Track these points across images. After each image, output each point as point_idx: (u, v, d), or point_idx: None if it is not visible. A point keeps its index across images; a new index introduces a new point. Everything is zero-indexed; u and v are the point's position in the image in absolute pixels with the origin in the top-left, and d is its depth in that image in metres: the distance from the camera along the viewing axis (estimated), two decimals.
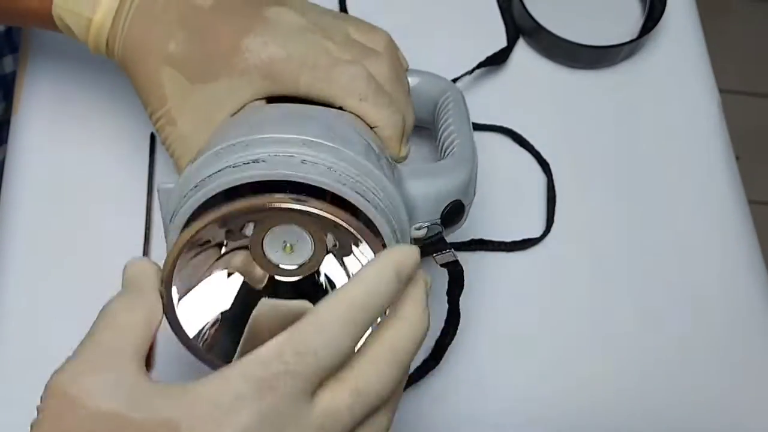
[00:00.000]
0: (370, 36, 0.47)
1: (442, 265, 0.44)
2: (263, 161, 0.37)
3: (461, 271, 0.45)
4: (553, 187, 0.59)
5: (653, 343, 0.55)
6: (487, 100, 0.62)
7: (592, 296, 0.56)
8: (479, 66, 0.61)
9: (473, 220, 0.58)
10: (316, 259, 0.40)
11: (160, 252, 0.55)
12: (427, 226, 0.44)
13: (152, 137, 0.58)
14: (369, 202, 0.37)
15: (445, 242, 0.44)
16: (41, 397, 0.32)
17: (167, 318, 0.39)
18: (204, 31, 0.44)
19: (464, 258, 0.56)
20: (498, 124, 0.61)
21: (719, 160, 0.62)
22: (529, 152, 0.60)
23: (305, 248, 0.40)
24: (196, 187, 0.38)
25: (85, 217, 0.56)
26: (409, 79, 0.50)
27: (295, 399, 0.29)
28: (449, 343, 0.50)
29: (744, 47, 1.62)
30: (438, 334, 0.50)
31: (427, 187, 0.44)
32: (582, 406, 0.54)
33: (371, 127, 0.44)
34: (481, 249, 0.56)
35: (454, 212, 0.45)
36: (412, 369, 0.46)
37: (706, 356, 0.55)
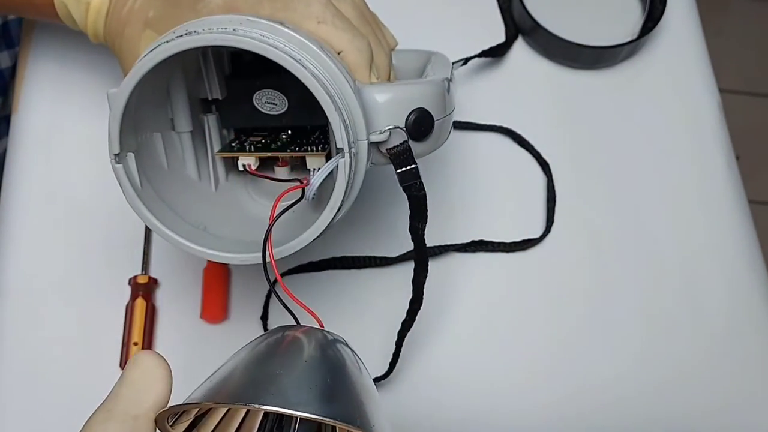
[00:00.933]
0: None
1: (403, 187, 0.41)
2: (196, 32, 0.37)
3: (424, 196, 0.42)
4: (553, 187, 0.59)
5: (653, 343, 0.56)
6: (488, 100, 0.62)
7: (593, 296, 0.56)
8: (477, 56, 0.61)
9: (473, 221, 0.58)
10: None
11: (159, 252, 0.55)
12: (390, 130, 0.41)
13: None
14: (307, 69, 0.36)
15: (410, 154, 0.41)
16: None
17: None
18: None
19: (464, 259, 0.56)
20: (498, 124, 0.61)
21: (719, 159, 0.62)
22: (529, 152, 0.61)
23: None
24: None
25: (84, 216, 0.56)
26: (398, 55, 0.51)
27: None
28: (423, 282, 0.46)
29: (744, 47, 1.62)
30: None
31: (389, 92, 0.41)
32: (581, 405, 0.54)
33: (337, 52, 0.42)
34: (481, 250, 0.57)
35: (420, 122, 0.42)
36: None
37: (706, 356, 0.55)
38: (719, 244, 0.59)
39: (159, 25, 0.45)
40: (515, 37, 0.64)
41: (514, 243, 0.57)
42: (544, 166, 0.60)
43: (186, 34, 0.37)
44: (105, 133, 0.58)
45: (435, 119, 0.43)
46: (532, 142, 0.60)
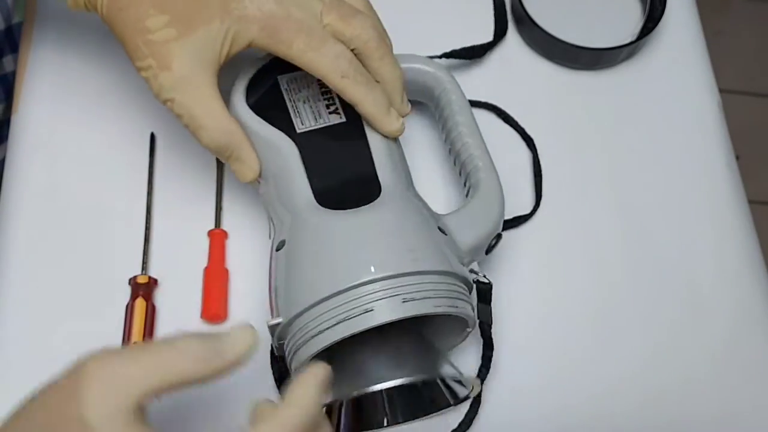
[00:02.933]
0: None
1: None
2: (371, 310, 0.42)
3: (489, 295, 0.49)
4: (539, 162, 0.59)
5: (650, 341, 0.56)
6: (488, 101, 0.62)
7: (591, 297, 0.56)
8: (449, 56, 0.60)
9: (461, 199, 0.57)
10: None
11: (159, 251, 0.55)
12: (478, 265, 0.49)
13: (152, 137, 0.58)
14: (457, 307, 0.44)
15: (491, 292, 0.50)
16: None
17: None
18: None
19: None
20: (483, 100, 0.61)
21: (719, 159, 0.62)
22: (513, 128, 0.61)
23: None
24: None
25: (84, 216, 0.56)
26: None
27: None
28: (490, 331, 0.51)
29: (744, 47, 1.62)
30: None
31: (474, 238, 0.49)
32: (574, 395, 0.54)
33: (354, 105, 0.47)
34: None
35: (495, 243, 0.51)
36: None
37: (706, 355, 0.55)
38: (719, 244, 0.59)
39: (173, 9, 0.44)
40: (501, 38, 0.64)
41: (505, 221, 0.56)
42: (529, 141, 0.60)
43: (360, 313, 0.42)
44: (105, 134, 0.58)
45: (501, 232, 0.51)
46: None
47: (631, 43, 0.62)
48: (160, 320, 0.53)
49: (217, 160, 0.57)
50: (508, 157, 0.57)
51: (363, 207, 0.46)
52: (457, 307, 0.44)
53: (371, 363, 0.44)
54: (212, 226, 0.56)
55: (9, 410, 0.50)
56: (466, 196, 0.52)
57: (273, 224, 0.49)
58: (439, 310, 0.43)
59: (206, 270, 0.54)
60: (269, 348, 0.50)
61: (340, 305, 0.42)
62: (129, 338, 0.51)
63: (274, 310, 0.45)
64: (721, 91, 0.65)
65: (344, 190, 0.47)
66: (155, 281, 0.54)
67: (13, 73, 0.68)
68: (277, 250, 0.46)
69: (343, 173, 0.48)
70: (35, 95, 0.59)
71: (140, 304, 0.52)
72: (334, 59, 0.46)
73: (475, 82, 0.62)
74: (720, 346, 0.56)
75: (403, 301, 0.42)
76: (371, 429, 0.47)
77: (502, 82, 0.62)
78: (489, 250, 0.51)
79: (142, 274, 0.54)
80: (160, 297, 0.54)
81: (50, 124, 0.58)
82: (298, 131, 0.49)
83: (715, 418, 0.54)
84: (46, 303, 0.53)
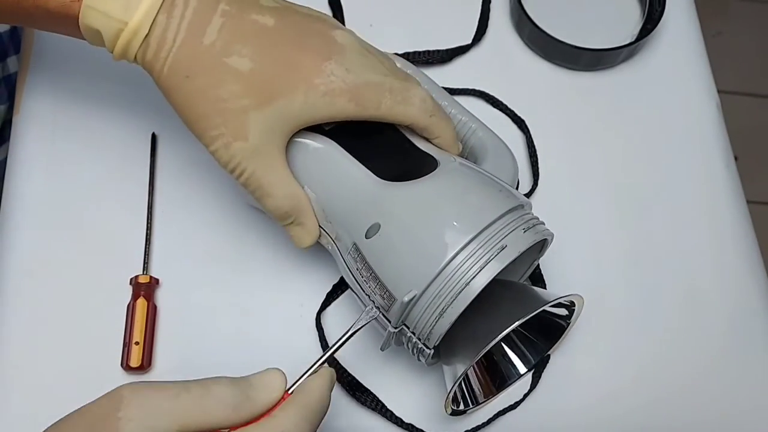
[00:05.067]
0: (385, 56, 0.50)
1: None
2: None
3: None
4: (533, 143, 0.60)
5: (650, 341, 0.56)
6: (491, 107, 0.62)
7: (587, 279, 0.57)
8: (412, 58, 0.61)
9: None
10: None
11: (159, 252, 0.55)
12: None
13: (153, 137, 0.58)
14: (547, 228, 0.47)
15: None
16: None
17: None
18: (273, 50, 0.44)
19: None
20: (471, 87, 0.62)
21: (718, 160, 0.62)
22: (503, 112, 0.61)
23: None
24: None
25: (86, 216, 0.56)
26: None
27: None
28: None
29: (743, 48, 1.62)
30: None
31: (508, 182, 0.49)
32: (570, 388, 0.54)
33: (434, 138, 0.48)
34: None
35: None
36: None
37: (705, 356, 0.56)
38: (718, 244, 0.59)
39: (250, 81, 0.43)
40: (477, 42, 0.64)
41: None
42: (521, 123, 0.61)
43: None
44: (106, 134, 0.58)
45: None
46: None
47: (631, 44, 0.62)
48: (162, 320, 0.53)
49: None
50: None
51: (434, 172, 0.46)
52: (547, 229, 0.46)
53: (481, 321, 0.45)
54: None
55: (9, 410, 0.51)
56: (474, 161, 0.53)
57: (333, 237, 0.48)
58: (547, 233, 0.46)
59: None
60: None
61: (476, 251, 0.42)
62: (130, 338, 0.51)
63: (382, 297, 0.45)
64: (720, 92, 0.65)
65: (402, 167, 0.47)
66: (156, 281, 0.54)
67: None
68: (368, 237, 0.45)
69: (392, 154, 0.48)
70: (37, 96, 0.59)
71: (141, 303, 0.52)
72: (421, 104, 0.47)
73: (475, 82, 0.62)
74: (719, 345, 0.56)
75: (524, 231, 0.44)
76: (508, 382, 0.51)
77: (502, 83, 0.62)
78: None
79: (143, 273, 0.54)
80: (161, 297, 0.54)
81: (51, 124, 0.58)
82: (327, 129, 0.48)
83: (714, 418, 0.54)
84: (46, 303, 0.53)
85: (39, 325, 0.53)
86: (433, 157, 0.48)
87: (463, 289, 0.42)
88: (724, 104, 0.65)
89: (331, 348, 0.44)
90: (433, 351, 0.45)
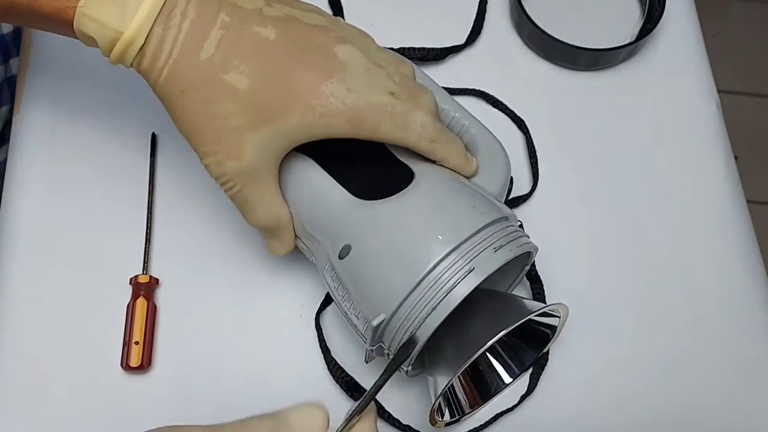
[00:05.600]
0: (402, 65, 0.48)
1: None
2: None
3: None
4: (533, 143, 0.60)
5: (650, 341, 0.56)
6: (491, 107, 0.62)
7: (588, 300, 0.57)
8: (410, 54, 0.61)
9: None
10: None
11: (160, 252, 0.55)
12: None
13: (153, 137, 0.58)
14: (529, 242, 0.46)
15: None
16: None
17: None
18: (273, 66, 0.43)
19: None
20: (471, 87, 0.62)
21: (718, 160, 0.62)
22: (503, 112, 0.61)
23: None
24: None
25: (86, 216, 0.56)
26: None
27: None
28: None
29: (743, 48, 1.62)
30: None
31: (497, 186, 0.50)
32: (569, 390, 0.54)
33: (437, 161, 0.48)
34: None
35: (510, 188, 0.53)
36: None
37: (705, 356, 0.56)
38: (718, 244, 0.59)
39: (247, 99, 0.43)
40: (471, 43, 0.64)
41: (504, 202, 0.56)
42: (520, 123, 0.61)
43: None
44: (106, 134, 0.58)
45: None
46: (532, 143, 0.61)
47: (630, 44, 0.63)
48: (161, 320, 0.53)
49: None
50: (500, 139, 0.58)
51: (407, 188, 0.45)
52: (528, 242, 0.46)
53: (465, 333, 0.45)
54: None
55: (9, 409, 0.51)
56: None
57: (313, 251, 0.48)
58: (526, 248, 0.45)
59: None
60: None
61: (445, 272, 0.42)
62: (130, 337, 0.51)
63: (356, 317, 0.45)
64: (720, 91, 0.66)
65: (376, 181, 0.47)
66: (156, 281, 0.54)
67: None
68: (341, 258, 0.45)
69: (367, 168, 0.48)
70: (37, 96, 0.59)
71: (141, 303, 0.52)
72: (421, 131, 0.46)
73: (475, 82, 0.62)
74: (719, 345, 0.56)
75: (495, 251, 0.43)
76: (492, 394, 0.50)
77: (502, 83, 0.62)
78: (507, 195, 0.52)
79: (143, 273, 0.54)
80: (161, 296, 0.54)
81: (51, 124, 0.58)
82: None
83: (714, 418, 0.54)
84: (46, 302, 0.53)
85: (39, 324, 0.53)
86: (410, 169, 0.47)
87: (428, 315, 0.42)
88: (724, 104, 0.65)
89: (371, 390, 0.42)
90: (410, 368, 0.45)
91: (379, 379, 0.42)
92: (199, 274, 0.55)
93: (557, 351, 0.54)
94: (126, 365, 0.51)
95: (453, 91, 0.61)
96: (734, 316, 0.57)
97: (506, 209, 0.46)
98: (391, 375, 0.43)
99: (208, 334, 0.53)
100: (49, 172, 0.57)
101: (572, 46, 0.62)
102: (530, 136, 0.60)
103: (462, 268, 0.42)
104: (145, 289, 0.53)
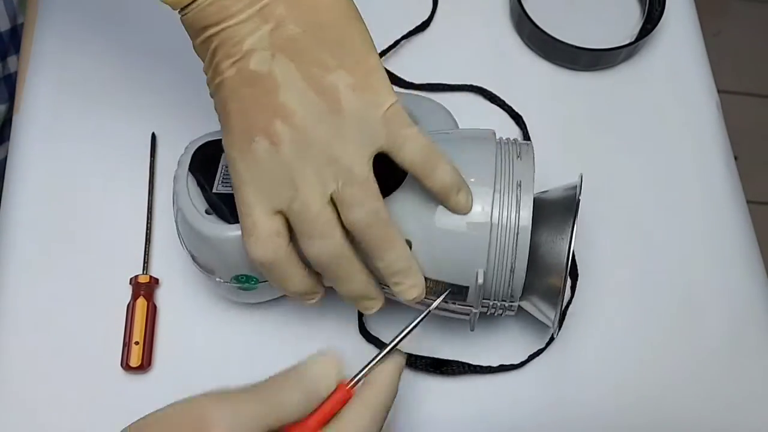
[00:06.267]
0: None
1: None
2: None
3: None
4: (529, 138, 0.60)
5: (650, 342, 0.56)
6: (488, 102, 0.62)
7: (588, 299, 0.57)
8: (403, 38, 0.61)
9: None
10: None
11: (159, 252, 0.55)
12: None
13: (153, 137, 0.58)
14: None
15: None
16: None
17: None
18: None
19: None
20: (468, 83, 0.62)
21: (718, 160, 0.62)
22: (500, 107, 0.62)
23: None
24: None
25: (86, 216, 0.56)
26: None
27: None
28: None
29: (742, 48, 1.62)
30: None
31: None
32: (570, 392, 0.54)
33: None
34: None
35: None
36: None
37: (705, 356, 0.56)
38: (718, 244, 0.59)
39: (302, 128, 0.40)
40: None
41: None
42: (517, 119, 0.61)
43: None
44: (106, 133, 0.58)
45: None
46: (532, 144, 0.61)
47: (630, 44, 0.63)
48: (161, 320, 0.53)
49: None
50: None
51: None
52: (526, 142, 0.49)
53: (543, 247, 0.47)
54: None
55: (9, 409, 0.51)
56: None
57: None
58: (532, 147, 0.48)
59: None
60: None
61: (502, 199, 0.44)
62: (130, 338, 0.51)
63: (450, 292, 0.46)
64: (720, 91, 0.66)
65: (395, 178, 0.46)
66: (156, 281, 0.54)
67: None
68: None
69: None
70: (36, 95, 0.59)
71: (141, 303, 0.52)
72: (452, 179, 0.44)
73: (475, 81, 0.62)
74: (719, 346, 0.56)
75: (519, 158, 0.46)
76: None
77: (502, 83, 0.63)
78: None
79: (143, 273, 0.54)
80: (161, 296, 0.54)
81: (51, 123, 0.58)
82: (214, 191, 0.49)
83: (713, 418, 0.54)
84: (46, 302, 0.53)
85: (39, 324, 0.53)
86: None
87: (516, 237, 0.44)
88: (724, 104, 0.65)
89: (396, 338, 0.43)
90: (518, 304, 0.47)
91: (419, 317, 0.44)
92: (199, 274, 0.55)
93: (555, 347, 0.54)
94: (126, 365, 0.51)
95: (448, 88, 0.61)
96: (734, 316, 0.57)
97: (488, 130, 0.48)
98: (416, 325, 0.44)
99: (208, 333, 0.53)
100: (49, 171, 0.57)
101: (572, 46, 0.62)
102: (527, 130, 0.61)
103: (512, 185, 0.44)
104: (145, 289, 0.53)
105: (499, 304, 0.47)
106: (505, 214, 0.44)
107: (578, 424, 0.53)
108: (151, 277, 0.54)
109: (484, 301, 0.46)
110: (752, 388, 0.55)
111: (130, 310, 0.52)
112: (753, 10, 1.69)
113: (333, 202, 0.41)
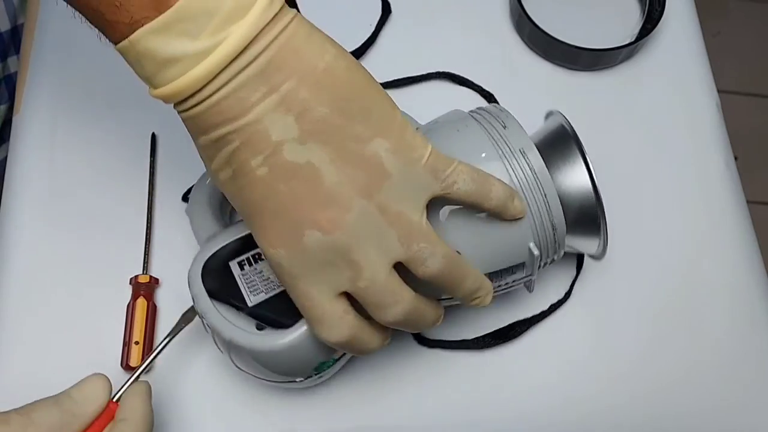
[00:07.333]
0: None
1: None
2: None
3: None
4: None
5: (650, 342, 0.56)
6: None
7: (583, 278, 0.57)
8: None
9: None
10: None
11: (159, 252, 0.55)
12: None
13: (153, 137, 0.58)
14: None
15: None
16: None
17: None
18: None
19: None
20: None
21: (718, 160, 0.62)
22: (471, 89, 0.62)
23: None
24: None
25: (86, 216, 0.56)
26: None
27: None
28: None
29: (743, 48, 1.62)
30: None
31: None
32: (573, 398, 0.54)
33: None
34: None
35: None
36: None
37: (705, 356, 0.56)
38: (718, 244, 0.59)
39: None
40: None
41: None
42: (489, 97, 0.61)
43: None
44: (106, 134, 0.58)
45: None
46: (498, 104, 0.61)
47: (630, 44, 0.63)
48: (161, 320, 0.53)
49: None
50: None
51: None
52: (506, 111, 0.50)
53: (565, 183, 0.50)
54: None
55: (9, 408, 0.51)
56: None
57: None
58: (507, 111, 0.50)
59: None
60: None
61: (515, 167, 0.46)
62: (130, 338, 0.51)
63: (508, 273, 0.47)
64: (720, 91, 0.66)
65: None
66: (156, 281, 0.54)
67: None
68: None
69: None
70: (37, 95, 0.59)
71: (141, 303, 0.52)
72: (503, 193, 0.44)
73: (474, 81, 0.62)
74: (719, 346, 0.56)
75: (504, 128, 0.48)
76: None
77: (501, 83, 0.63)
78: None
79: (143, 273, 0.54)
80: (161, 296, 0.54)
81: (51, 124, 0.58)
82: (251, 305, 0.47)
83: (713, 418, 0.54)
84: (46, 302, 0.53)
85: (39, 324, 0.53)
86: None
87: (546, 195, 0.45)
88: (724, 104, 0.65)
89: (153, 353, 0.45)
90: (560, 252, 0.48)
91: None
92: None
93: (554, 345, 0.54)
94: (126, 365, 0.51)
95: (414, 80, 0.62)
96: (734, 315, 0.57)
97: (457, 112, 0.49)
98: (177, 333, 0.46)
99: (208, 334, 0.53)
100: (49, 171, 0.57)
101: (572, 46, 0.62)
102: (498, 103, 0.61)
103: (514, 149, 0.46)
104: (145, 289, 0.53)
105: (549, 260, 0.48)
106: (522, 176, 0.45)
107: (577, 423, 0.53)
108: (151, 277, 0.54)
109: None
110: (752, 388, 0.55)
111: (130, 310, 0.52)
112: (753, 10, 1.69)
113: (394, 265, 0.41)
